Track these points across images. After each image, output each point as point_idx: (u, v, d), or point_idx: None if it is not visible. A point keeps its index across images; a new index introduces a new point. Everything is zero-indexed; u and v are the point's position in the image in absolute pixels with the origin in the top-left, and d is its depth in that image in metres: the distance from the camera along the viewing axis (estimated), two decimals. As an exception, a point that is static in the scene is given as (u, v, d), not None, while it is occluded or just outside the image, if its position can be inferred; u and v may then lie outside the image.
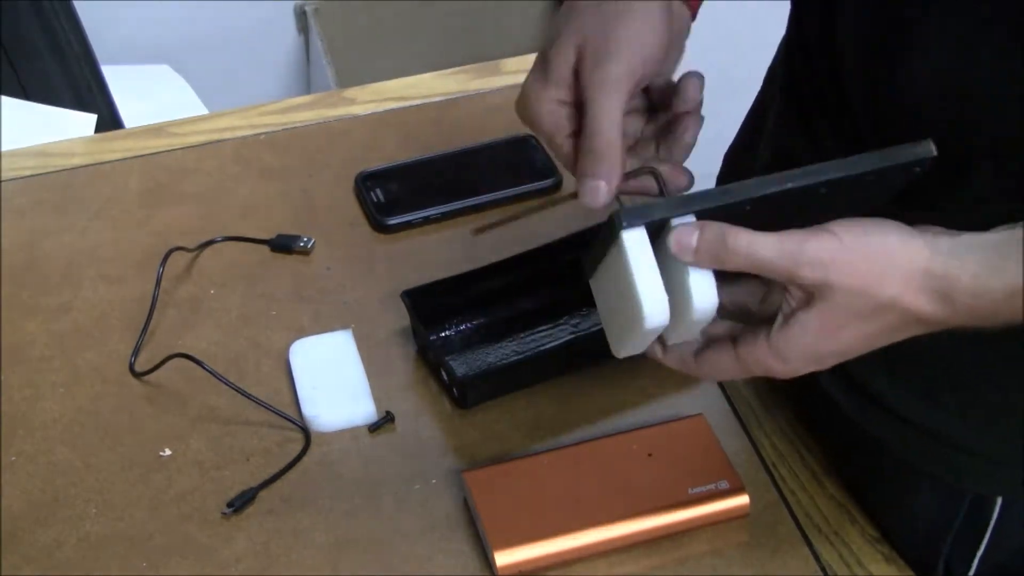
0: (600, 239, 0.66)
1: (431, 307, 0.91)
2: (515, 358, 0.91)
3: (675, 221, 0.63)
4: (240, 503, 0.82)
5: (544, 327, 0.93)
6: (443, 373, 0.89)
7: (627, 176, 0.70)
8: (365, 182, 1.05)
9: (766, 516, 0.82)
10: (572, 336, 0.93)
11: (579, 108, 0.70)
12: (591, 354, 0.89)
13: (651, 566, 0.79)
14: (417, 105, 1.15)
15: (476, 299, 0.93)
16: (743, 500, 0.80)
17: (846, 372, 0.78)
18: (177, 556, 0.80)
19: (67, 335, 0.94)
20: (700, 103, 0.73)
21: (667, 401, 0.89)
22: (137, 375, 0.90)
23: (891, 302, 0.61)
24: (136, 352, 0.92)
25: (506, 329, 0.93)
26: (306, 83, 2.17)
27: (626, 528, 0.79)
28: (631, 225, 0.63)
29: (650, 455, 0.82)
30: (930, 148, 0.62)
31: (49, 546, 0.81)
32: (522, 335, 0.93)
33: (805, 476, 0.85)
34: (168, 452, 0.86)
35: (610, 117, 0.68)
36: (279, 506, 0.83)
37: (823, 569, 0.80)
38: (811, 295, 0.62)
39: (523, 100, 0.72)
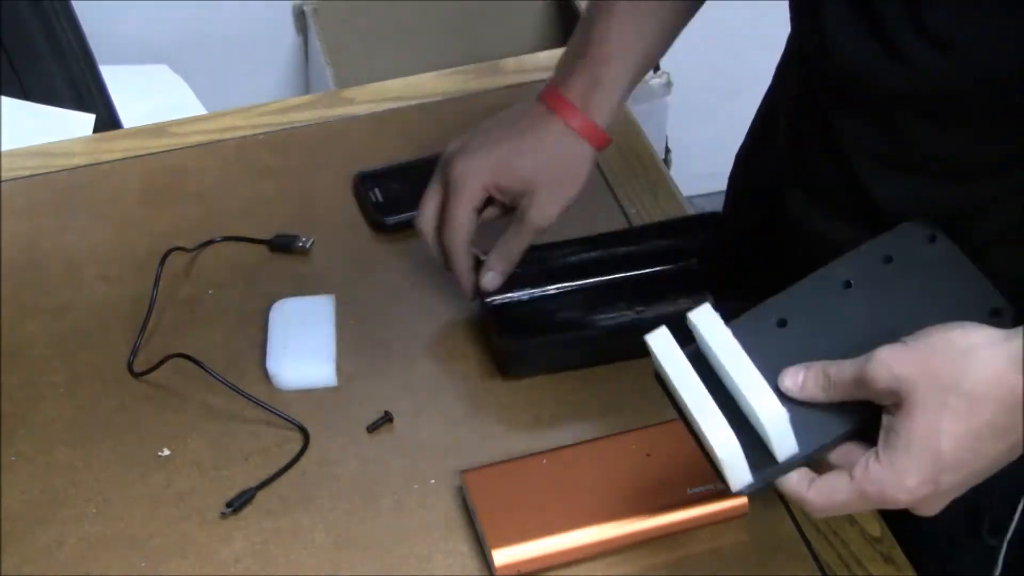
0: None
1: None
2: (568, 334, 0.91)
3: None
4: (239, 503, 0.82)
5: (607, 311, 0.92)
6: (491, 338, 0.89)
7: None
8: (364, 182, 1.05)
9: (765, 516, 0.82)
10: (630, 319, 0.91)
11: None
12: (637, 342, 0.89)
13: (650, 566, 0.79)
14: (417, 105, 1.15)
15: (547, 272, 0.93)
16: (742, 500, 0.80)
17: None
18: (176, 556, 0.80)
19: (67, 335, 0.94)
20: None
21: (667, 401, 0.89)
22: (136, 375, 0.90)
23: (977, 388, 0.60)
24: (135, 352, 0.92)
25: (570, 305, 0.92)
26: (305, 83, 2.17)
27: (625, 528, 0.79)
28: (747, 491, 0.66)
29: (649, 455, 0.82)
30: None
31: (49, 546, 0.81)
32: (584, 314, 0.92)
33: (804, 476, 0.85)
34: (167, 452, 0.86)
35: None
36: (278, 506, 0.83)
37: (822, 569, 0.80)
38: (899, 401, 0.62)
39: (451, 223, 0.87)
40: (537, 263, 0.92)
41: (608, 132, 0.86)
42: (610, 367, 0.90)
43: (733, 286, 0.90)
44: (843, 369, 0.64)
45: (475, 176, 0.85)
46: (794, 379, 0.66)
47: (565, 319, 0.91)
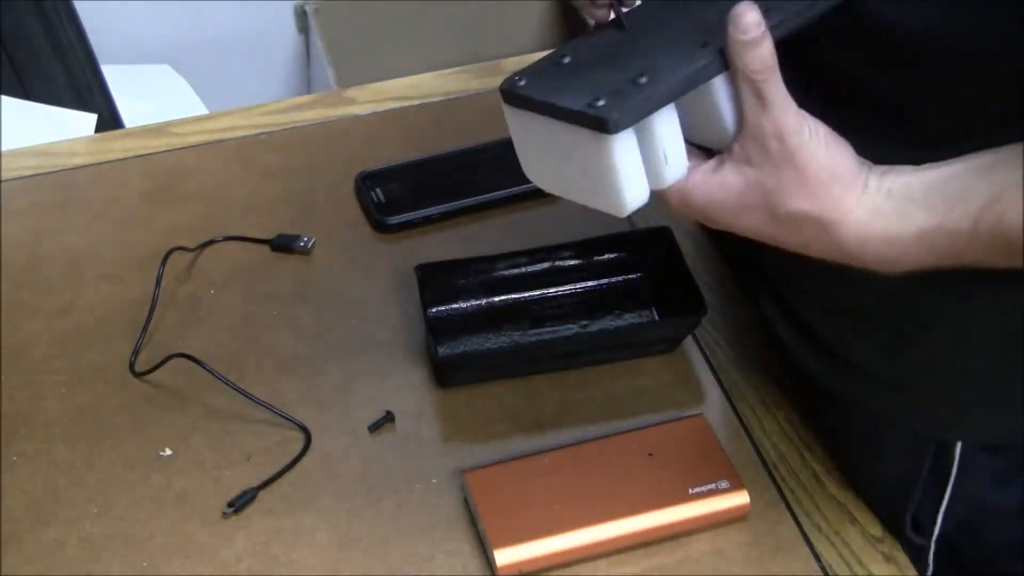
0: (552, 105, 0.63)
1: (443, 285, 0.92)
2: (507, 346, 0.91)
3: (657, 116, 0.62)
4: (241, 503, 0.82)
5: (553, 323, 0.93)
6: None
7: None
8: (365, 182, 1.05)
9: (766, 516, 0.82)
10: (573, 334, 0.92)
11: None
12: (580, 354, 0.90)
13: (652, 566, 0.79)
14: (417, 105, 1.15)
15: (490, 284, 0.93)
16: (743, 500, 0.80)
17: (811, 332, 0.80)
18: (178, 556, 0.80)
19: (68, 335, 0.94)
20: None
21: (667, 401, 0.89)
22: (138, 375, 0.90)
23: (808, 218, 0.63)
24: (136, 352, 0.92)
25: (512, 318, 0.93)
26: (306, 83, 2.17)
27: (626, 528, 0.79)
28: (625, 125, 0.61)
29: (650, 455, 0.82)
30: None
31: (50, 546, 0.81)
32: (527, 327, 0.93)
33: (805, 476, 0.85)
34: (169, 452, 0.86)
35: None
36: (280, 506, 0.83)
37: (823, 569, 0.80)
38: (751, 161, 0.63)
39: None
40: (482, 274, 0.93)
41: None
42: (611, 367, 0.90)
43: (679, 300, 0.91)
44: (777, 79, 0.62)
45: None
46: (758, 20, 0.61)
47: (505, 331, 0.92)
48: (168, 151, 1.11)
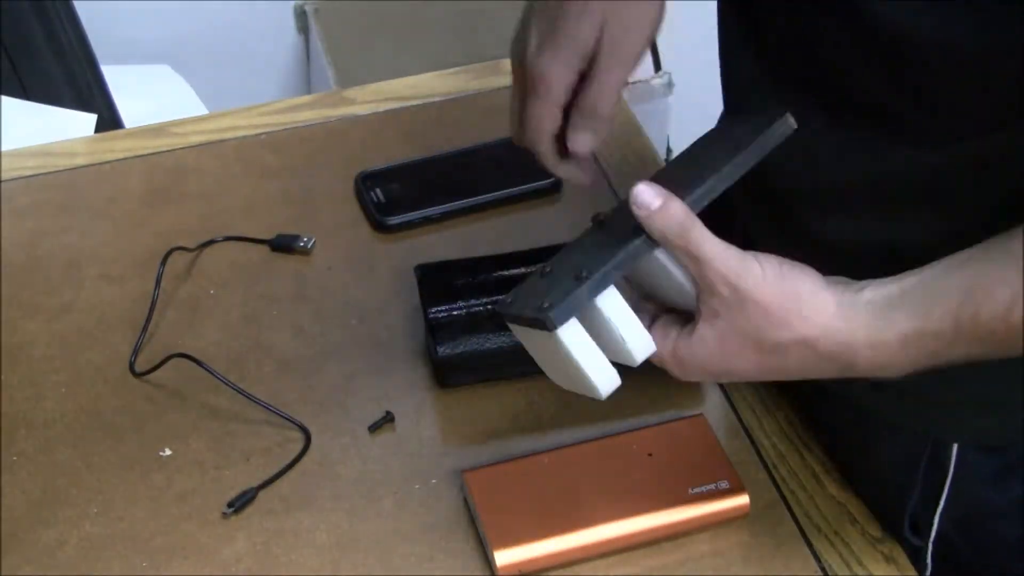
0: (522, 316, 0.69)
1: (443, 285, 0.92)
2: (503, 345, 0.91)
3: (599, 299, 0.67)
4: (240, 503, 0.82)
5: None
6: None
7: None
8: (365, 182, 1.05)
9: (766, 516, 0.82)
10: None
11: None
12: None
13: (651, 566, 0.79)
14: (417, 105, 1.15)
15: (490, 284, 0.93)
16: (743, 500, 0.80)
17: None
18: (178, 556, 0.80)
19: (68, 335, 0.94)
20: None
21: (667, 401, 0.89)
22: (137, 375, 0.90)
23: (792, 343, 0.65)
24: (136, 352, 0.92)
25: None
26: (306, 83, 2.17)
27: (626, 528, 0.79)
28: (563, 320, 0.66)
29: (650, 455, 0.82)
30: (789, 124, 0.67)
31: (50, 546, 0.81)
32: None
33: (805, 476, 0.85)
34: (168, 452, 0.86)
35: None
36: (279, 506, 0.83)
37: (823, 569, 0.80)
38: (717, 313, 0.66)
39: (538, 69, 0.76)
40: (482, 274, 0.93)
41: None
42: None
43: None
44: (701, 242, 0.65)
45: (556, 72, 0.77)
46: (655, 193, 0.66)
47: (505, 331, 0.91)
48: (168, 151, 1.11)
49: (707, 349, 0.67)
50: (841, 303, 0.65)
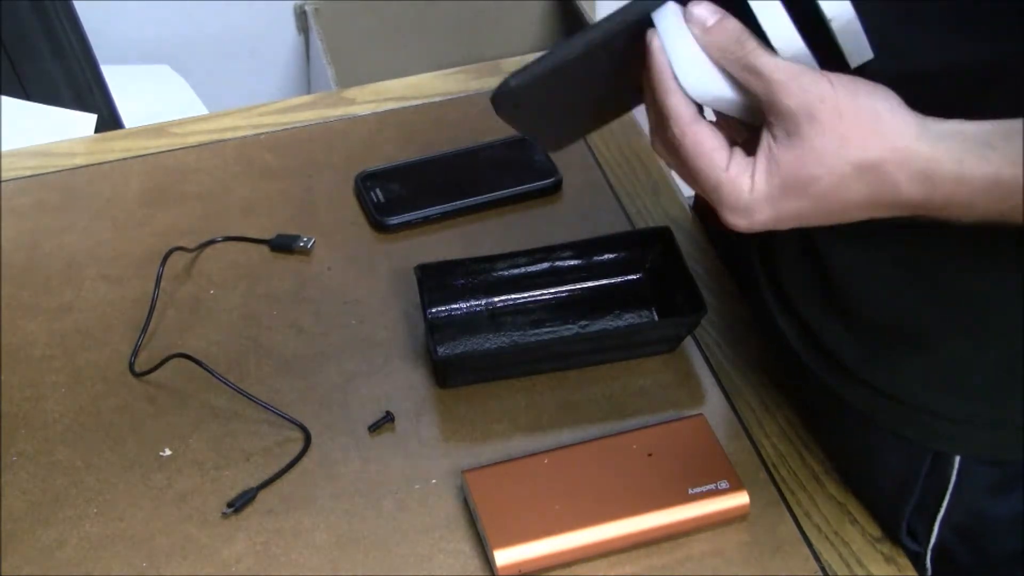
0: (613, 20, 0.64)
1: (443, 285, 0.92)
2: (503, 345, 0.91)
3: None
4: (240, 503, 0.82)
5: (553, 323, 0.93)
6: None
7: None
8: (365, 182, 1.05)
9: (766, 516, 0.82)
10: (573, 334, 0.92)
11: None
12: (580, 354, 0.90)
13: (651, 566, 0.79)
14: (417, 105, 1.15)
15: (490, 284, 0.93)
16: (743, 500, 0.80)
17: (797, 315, 0.79)
18: (177, 556, 0.80)
19: (68, 335, 0.94)
20: None
21: (667, 401, 0.89)
22: (137, 375, 0.90)
23: (872, 166, 0.59)
24: (136, 352, 0.92)
25: (512, 318, 0.93)
26: (306, 83, 2.17)
27: (626, 528, 0.79)
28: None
29: (650, 455, 0.82)
30: None
31: (50, 546, 0.81)
32: (527, 327, 0.93)
33: (805, 476, 0.85)
34: (168, 452, 0.86)
35: None
36: (279, 506, 0.83)
37: (823, 569, 0.80)
38: (790, 130, 0.60)
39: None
40: (482, 274, 0.93)
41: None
42: (611, 367, 0.90)
43: (678, 300, 0.91)
44: (759, 54, 0.61)
45: None
46: (711, 9, 0.62)
47: (505, 331, 0.92)
48: (168, 151, 1.11)
49: (782, 170, 0.61)
50: (925, 126, 0.59)
